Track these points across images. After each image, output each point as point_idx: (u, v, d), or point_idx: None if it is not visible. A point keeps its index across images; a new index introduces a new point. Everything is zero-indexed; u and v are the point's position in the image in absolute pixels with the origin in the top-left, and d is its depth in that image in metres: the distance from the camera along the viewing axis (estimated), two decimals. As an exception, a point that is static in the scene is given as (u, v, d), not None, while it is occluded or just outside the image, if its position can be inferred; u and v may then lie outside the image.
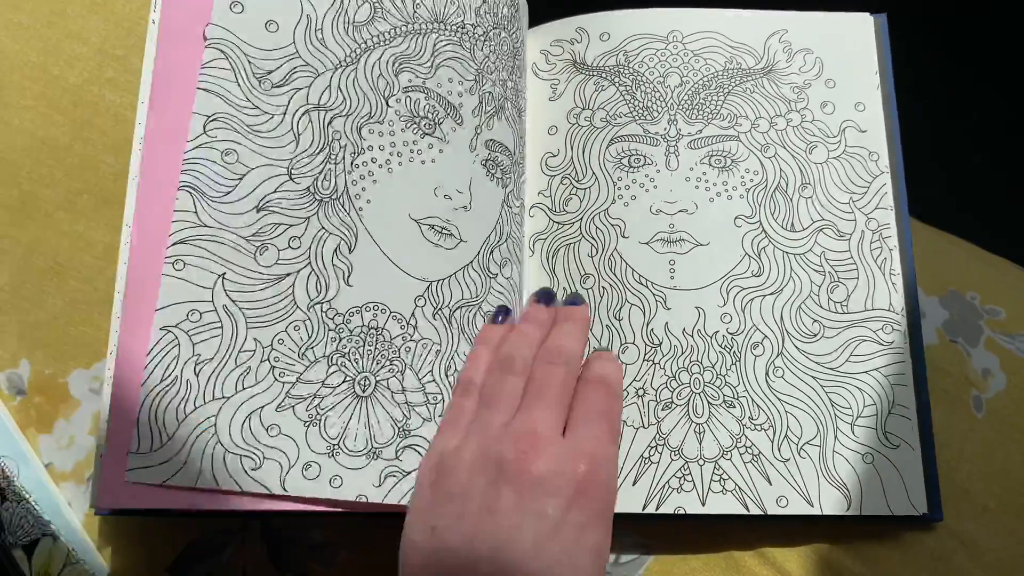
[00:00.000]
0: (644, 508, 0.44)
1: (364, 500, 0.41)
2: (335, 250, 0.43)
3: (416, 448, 0.42)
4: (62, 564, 0.46)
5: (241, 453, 0.40)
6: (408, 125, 0.44)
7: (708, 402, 0.46)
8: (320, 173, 0.43)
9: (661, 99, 0.49)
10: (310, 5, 0.44)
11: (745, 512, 0.44)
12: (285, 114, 0.43)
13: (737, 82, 0.50)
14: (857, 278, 0.47)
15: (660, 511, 0.44)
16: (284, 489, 0.40)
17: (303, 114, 0.43)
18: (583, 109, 0.50)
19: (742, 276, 0.47)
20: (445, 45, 0.46)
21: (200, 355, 0.41)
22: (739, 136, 0.49)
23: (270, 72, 0.43)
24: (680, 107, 0.49)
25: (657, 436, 0.45)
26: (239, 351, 0.41)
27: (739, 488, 0.44)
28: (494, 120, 0.46)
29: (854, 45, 0.51)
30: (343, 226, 0.43)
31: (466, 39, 0.46)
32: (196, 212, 0.41)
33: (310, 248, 0.42)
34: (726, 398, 0.46)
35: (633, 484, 0.45)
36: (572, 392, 0.41)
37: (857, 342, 0.46)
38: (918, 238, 0.49)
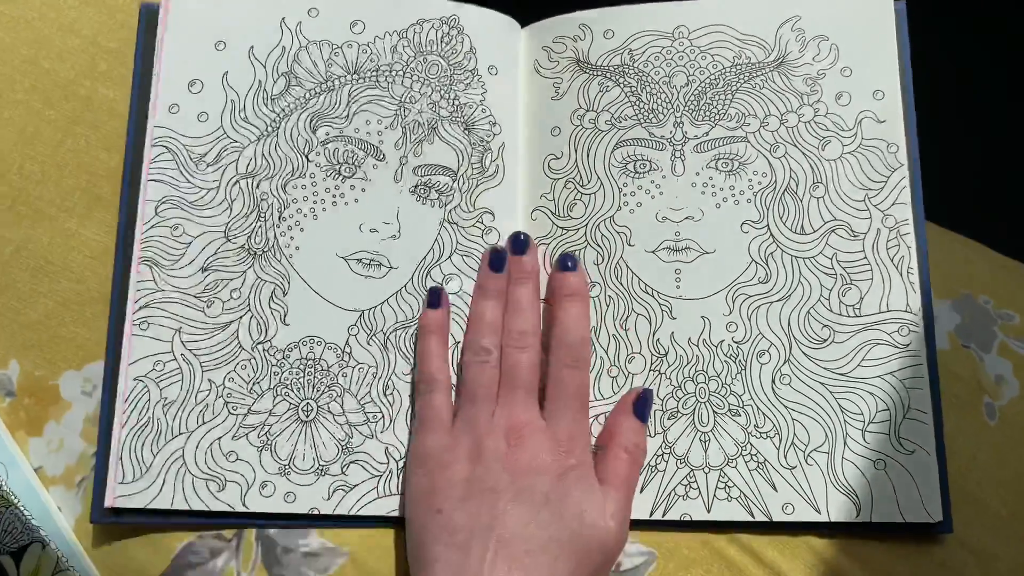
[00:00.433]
0: (651, 515, 0.50)
1: (316, 512, 0.50)
2: (271, 295, 0.53)
3: (360, 463, 0.51)
4: (51, 571, 0.51)
5: (206, 478, 0.51)
6: (329, 174, 0.54)
7: (713, 411, 0.50)
8: (252, 231, 0.53)
9: (667, 101, 0.53)
10: (233, 91, 0.55)
11: (750, 519, 0.49)
12: (219, 187, 0.54)
13: (746, 78, 0.54)
14: (871, 279, 0.51)
15: (666, 518, 0.50)
16: (245, 507, 0.50)
17: (234, 183, 0.54)
18: (587, 111, 0.54)
19: (748, 283, 0.51)
20: (360, 91, 0.55)
21: (166, 398, 0.51)
22: (747, 136, 0.53)
23: (204, 155, 0.54)
24: (686, 108, 0.53)
25: (663, 445, 0.50)
26: (197, 391, 0.52)
27: (744, 495, 0.49)
28: (423, 146, 0.54)
29: (873, 27, 0.54)
30: (276, 274, 0.53)
31: (382, 79, 0.55)
32: (154, 280, 0.53)
33: (249, 297, 0.53)
34: (731, 406, 0.50)
35: (640, 491, 0.50)
36: (538, 367, 0.51)
37: (870, 346, 0.50)
38: (928, 238, 0.53)
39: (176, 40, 0.55)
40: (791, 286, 0.51)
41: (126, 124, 0.56)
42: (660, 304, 0.51)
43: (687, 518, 0.49)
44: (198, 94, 0.54)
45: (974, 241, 0.56)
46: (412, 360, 0.52)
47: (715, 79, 0.53)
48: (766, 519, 0.49)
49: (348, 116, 0.55)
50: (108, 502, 0.50)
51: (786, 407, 0.50)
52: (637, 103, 0.53)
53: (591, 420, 0.51)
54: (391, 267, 0.53)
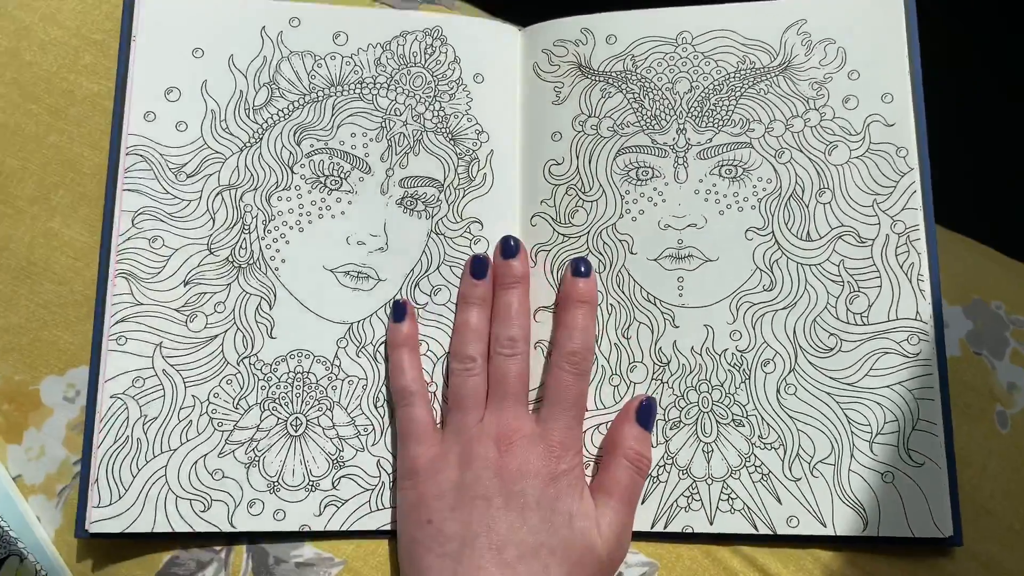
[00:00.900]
0: (652, 527, 0.54)
1: (308, 530, 0.54)
2: (256, 308, 0.57)
3: (351, 477, 0.55)
4: None
5: (191, 497, 0.54)
6: (314, 186, 0.58)
7: (716, 421, 0.55)
8: (236, 243, 0.57)
9: (670, 107, 0.58)
10: (213, 101, 0.59)
11: (754, 532, 0.53)
12: (200, 198, 0.58)
13: (750, 83, 0.58)
14: (880, 286, 0.55)
15: (668, 530, 0.53)
16: (232, 526, 0.54)
17: (216, 195, 0.58)
18: (589, 116, 0.59)
19: (752, 291, 0.56)
20: (345, 104, 0.59)
21: (147, 415, 0.55)
22: (751, 142, 0.57)
23: (183, 165, 0.58)
24: (690, 115, 0.58)
25: (665, 455, 0.55)
26: (180, 408, 0.55)
27: (747, 507, 0.53)
28: (408, 157, 0.59)
29: (882, 28, 0.58)
30: (262, 287, 0.57)
31: (367, 92, 0.60)
32: (132, 293, 0.56)
33: (234, 310, 0.57)
34: (735, 417, 0.54)
35: (642, 503, 0.54)
36: (528, 373, 0.55)
37: (879, 355, 0.54)
38: (938, 242, 0.57)
39: (151, 45, 0.59)
40: (797, 294, 0.55)
41: (111, 120, 0.59)
42: (662, 312, 0.56)
43: (689, 530, 0.53)
44: (176, 102, 0.58)
45: (984, 245, 0.60)
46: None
47: (719, 84, 0.58)
48: (770, 532, 0.53)
49: (333, 128, 0.59)
50: (85, 526, 0.53)
51: (791, 417, 0.54)
52: (640, 109, 0.58)
53: (592, 430, 0.55)
54: (379, 279, 0.58)
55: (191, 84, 0.58)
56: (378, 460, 0.55)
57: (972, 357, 0.57)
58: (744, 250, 0.56)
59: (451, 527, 0.50)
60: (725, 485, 0.53)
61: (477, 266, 0.57)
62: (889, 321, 0.54)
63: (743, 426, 0.54)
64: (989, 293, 0.58)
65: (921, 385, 0.53)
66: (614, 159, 0.58)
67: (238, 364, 0.56)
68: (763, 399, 0.54)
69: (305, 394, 0.56)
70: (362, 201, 0.58)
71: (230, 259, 0.57)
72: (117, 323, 0.55)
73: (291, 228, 0.57)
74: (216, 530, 0.54)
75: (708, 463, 0.53)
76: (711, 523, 0.53)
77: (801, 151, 0.56)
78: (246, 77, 0.59)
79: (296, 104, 0.59)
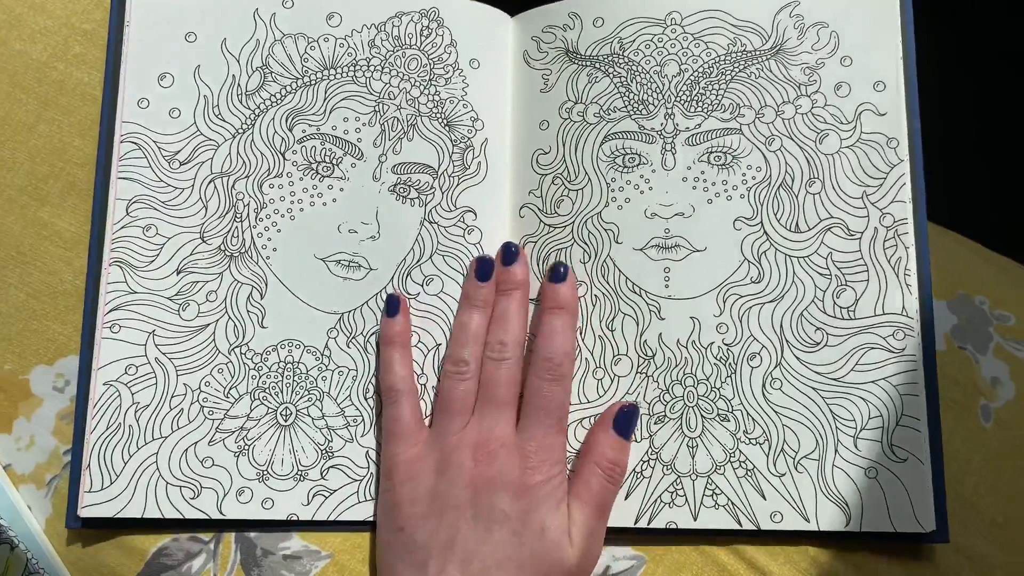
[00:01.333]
0: (636, 522, 0.54)
1: (296, 519, 0.55)
2: (248, 297, 0.57)
3: (340, 468, 0.56)
4: (20, 574, 0.55)
5: (181, 484, 0.55)
6: (306, 173, 0.58)
7: (701, 416, 0.55)
8: (228, 232, 0.57)
9: (658, 91, 0.57)
10: (206, 87, 0.58)
11: (738, 527, 0.53)
12: (193, 186, 0.58)
13: (741, 67, 0.57)
14: (867, 280, 0.55)
15: (652, 526, 0.54)
16: (221, 513, 0.55)
17: (209, 183, 0.58)
18: (575, 103, 0.58)
19: (740, 283, 0.55)
20: (338, 87, 0.58)
21: (139, 403, 0.56)
22: (741, 128, 0.57)
23: (177, 152, 0.58)
24: (678, 99, 0.57)
25: (649, 450, 0.55)
26: (172, 396, 0.56)
27: (732, 503, 0.54)
28: (402, 143, 0.58)
29: (876, 14, 0.57)
30: (253, 276, 0.57)
31: (360, 75, 0.59)
32: (126, 282, 0.57)
33: (226, 299, 0.57)
34: (720, 411, 0.54)
35: (625, 498, 0.54)
36: (519, 381, 0.55)
37: (864, 350, 0.54)
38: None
39: (144, 30, 0.59)
40: (784, 286, 0.55)
41: (100, 110, 0.59)
42: (648, 304, 0.55)
43: (673, 526, 0.54)
44: (169, 88, 0.58)
45: (969, 240, 0.60)
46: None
47: (709, 68, 0.57)
48: (754, 528, 0.53)
49: (325, 113, 0.58)
50: (77, 511, 0.54)
51: (776, 412, 0.54)
52: (627, 94, 0.57)
53: (575, 424, 0.55)
54: (370, 268, 0.57)
55: (184, 69, 0.58)
56: (367, 451, 0.55)
57: (957, 352, 0.57)
58: (732, 240, 0.55)
59: (421, 536, 0.51)
60: (709, 480, 0.53)
61: (482, 268, 0.56)
62: (875, 316, 0.54)
63: (728, 421, 0.54)
64: (973, 288, 0.58)
65: (906, 381, 0.53)
66: (600, 146, 0.57)
67: (229, 353, 0.56)
68: (748, 394, 0.54)
69: (295, 384, 0.56)
70: (354, 188, 0.58)
71: (222, 248, 0.57)
72: (111, 311, 0.56)
73: (282, 216, 0.57)
74: (205, 517, 0.54)
75: (693, 458, 0.54)
76: (695, 519, 0.53)
77: (792, 139, 0.56)
78: (239, 61, 0.58)
79: (289, 88, 0.58)
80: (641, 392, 0.55)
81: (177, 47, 0.58)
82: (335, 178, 0.58)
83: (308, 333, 0.57)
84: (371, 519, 0.55)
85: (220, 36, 0.59)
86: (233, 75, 0.58)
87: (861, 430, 0.53)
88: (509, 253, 0.56)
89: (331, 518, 0.55)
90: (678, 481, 0.54)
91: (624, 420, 0.54)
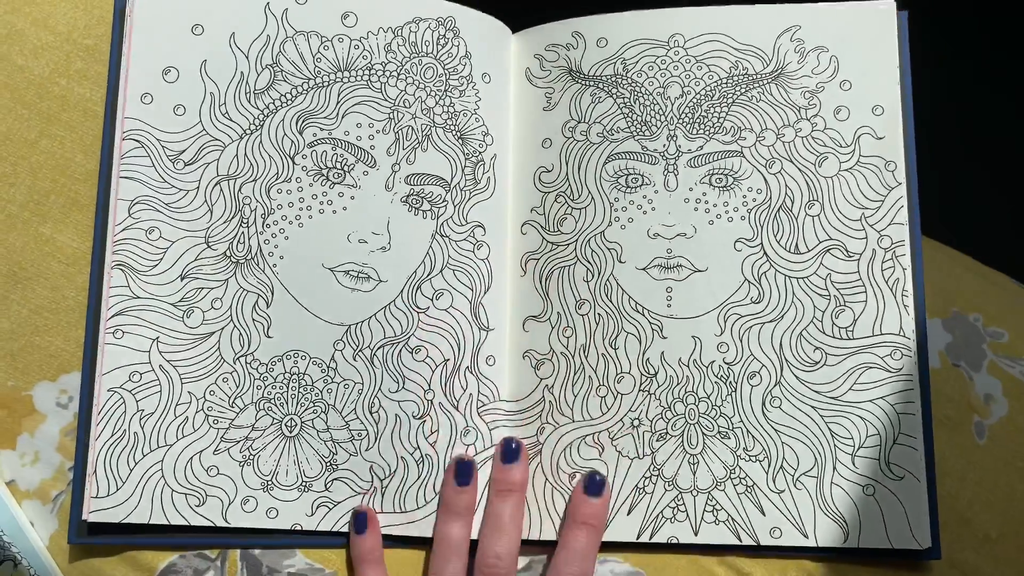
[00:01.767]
0: (638, 537, 0.55)
1: (299, 528, 0.56)
2: (254, 306, 0.57)
3: (344, 480, 0.56)
4: None
5: (186, 492, 0.55)
6: (316, 179, 0.57)
7: (703, 433, 0.56)
8: (234, 237, 0.57)
9: (660, 112, 0.58)
10: (212, 83, 0.57)
11: (737, 543, 0.55)
12: (198, 188, 0.57)
13: (743, 90, 0.58)
14: (865, 301, 0.56)
15: (653, 540, 0.55)
16: (226, 522, 0.55)
17: (215, 185, 0.57)
18: (579, 122, 0.59)
19: (741, 303, 0.57)
20: (351, 91, 0.57)
21: (143, 410, 0.55)
22: (742, 151, 0.58)
23: (181, 152, 0.57)
24: (680, 121, 0.58)
25: (651, 467, 0.56)
26: (176, 404, 0.56)
27: (732, 519, 0.55)
28: (416, 153, 0.57)
29: (875, 39, 0.59)
30: (259, 284, 0.57)
31: (375, 79, 0.58)
32: (128, 286, 0.56)
33: (231, 307, 0.57)
34: (721, 429, 0.56)
35: (627, 514, 0.56)
36: None
37: (862, 370, 0.56)
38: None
39: (148, 19, 0.57)
40: (784, 306, 0.56)
41: (102, 124, 0.59)
42: (650, 323, 0.56)
43: (674, 541, 0.55)
44: (173, 83, 0.57)
45: (961, 254, 0.61)
46: (399, 377, 0.57)
47: (711, 90, 0.58)
48: (753, 543, 0.55)
49: (338, 117, 0.58)
50: (83, 516, 0.54)
51: (776, 430, 0.55)
52: (630, 115, 0.58)
53: (579, 441, 0.56)
54: (380, 280, 0.57)
55: (190, 64, 0.57)
56: (371, 465, 0.56)
57: (951, 369, 0.58)
58: (733, 261, 0.56)
59: None
60: (710, 496, 0.55)
61: (462, 472, 0.55)
62: (873, 336, 0.55)
63: (728, 438, 0.55)
64: (967, 305, 0.59)
65: (903, 400, 0.54)
66: (603, 166, 0.58)
67: (234, 362, 0.56)
68: (749, 411, 0.55)
69: (300, 395, 0.56)
70: (365, 197, 0.57)
71: (228, 254, 0.57)
72: (114, 316, 0.55)
73: (290, 223, 0.57)
74: (210, 524, 0.55)
75: (694, 474, 0.55)
76: (696, 534, 0.54)
77: (792, 162, 0.57)
78: (248, 58, 0.57)
79: (300, 89, 0.57)
80: (643, 409, 0.56)
81: (183, 39, 0.57)
82: (346, 185, 0.57)
83: (314, 344, 0.57)
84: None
85: (229, 30, 0.57)
86: (242, 72, 0.57)
87: (859, 448, 0.54)
88: (509, 451, 0.56)
89: (335, 529, 0.55)
90: (679, 497, 0.55)
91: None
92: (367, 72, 0.58)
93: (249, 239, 0.57)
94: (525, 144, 0.60)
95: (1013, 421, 0.57)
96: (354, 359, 0.57)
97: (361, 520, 0.55)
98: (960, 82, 1.15)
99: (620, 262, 0.57)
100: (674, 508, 0.55)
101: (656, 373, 0.56)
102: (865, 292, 0.56)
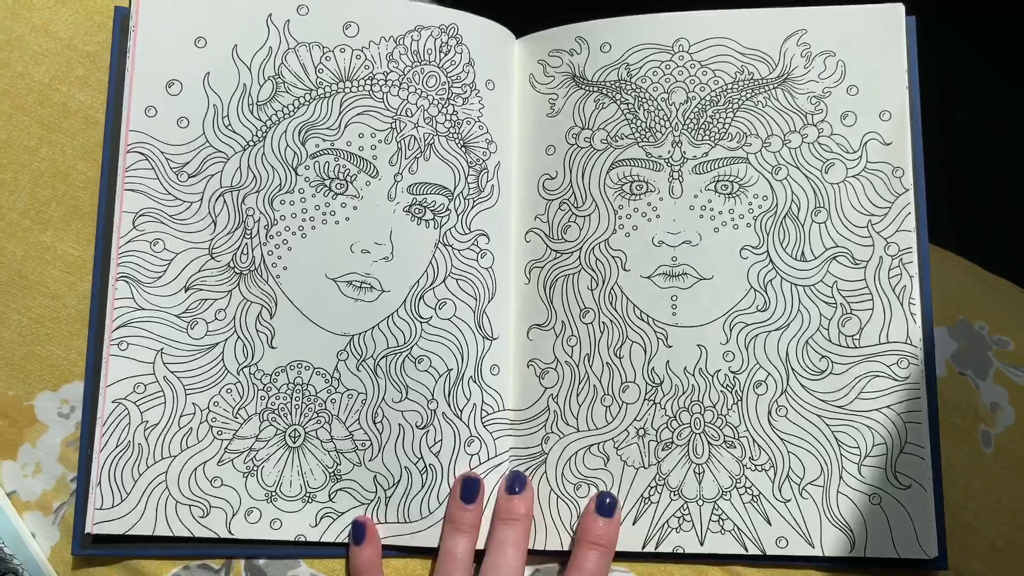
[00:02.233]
0: (644, 547, 0.56)
1: (303, 540, 0.56)
2: (257, 317, 0.57)
3: (348, 491, 0.57)
4: None
5: (190, 503, 0.56)
6: (318, 189, 0.58)
7: (708, 442, 0.56)
8: (238, 249, 0.57)
9: (665, 118, 0.58)
10: (215, 95, 0.58)
11: (744, 552, 0.55)
12: (202, 200, 0.57)
13: (748, 95, 0.58)
14: (872, 309, 0.56)
15: (659, 550, 0.56)
16: (230, 533, 0.56)
17: (218, 197, 0.58)
18: (583, 129, 0.59)
19: (747, 311, 0.57)
20: (353, 101, 0.58)
21: (148, 421, 0.56)
22: (748, 157, 0.58)
23: (185, 164, 0.58)
24: (685, 127, 0.58)
25: (657, 476, 0.56)
26: (180, 415, 0.56)
27: (738, 528, 0.55)
28: (418, 163, 0.58)
29: (882, 43, 0.58)
30: (263, 294, 0.57)
31: (377, 89, 0.58)
32: (133, 298, 0.56)
33: (235, 318, 0.57)
34: (726, 438, 0.56)
35: (633, 524, 0.56)
36: None
37: (869, 378, 0.56)
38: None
39: (151, 33, 0.58)
40: (790, 315, 0.56)
41: (103, 132, 0.59)
42: (656, 331, 0.57)
43: (680, 550, 0.55)
44: (177, 96, 0.58)
45: (967, 261, 0.62)
46: (403, 387, 0.57)
47: (716, 96, 0.58)
48: (759, 553, 0.55)
49: (340, 127, 0.58)
50: (87, 528, 0.55)
51: (782, 439, 0.55)
52: (634, 121, 0.58)
53: (583, 451, 0.56)
54: (383, 290, 0.57)
55: (193, 77, 0.58)
56: (375, 475, 0.56)
57: (957, 378, 0.58)
58: (738, 269, 0.56)
59: None
60: (716, 506, 0.55)
61: (468, 489, 0.56)
62: (880, 344, 0.55)
63: (735, 447, 0.55)
64: (974, 313, 0.60)
65: (909, 409, 0.55)
66: (608, 173, 0.58)
67: (238, 373, 0.57)
68: (755, 421, 0.55)
69: (304, 406, 0.57)
70: (368, 207, 0.58)
71: (231, 265, 0.57)
72: (119, 327, 0.56)
73: (293, 234, 0.57)
74: (214, 536, 0.55)
75: (699, 484, 0.55)
76: (701, 543, 0.55)
77: (798, 168, 0.57)
78: (250, 70, 0.58)
79: (302, 100, 0.58)
80: (649, 419, 0.56)
81: (186, 52, 0.58)
82: (348, 196, 0.58)
83: (318, 355, 0.57)
84: (380, 542, 0.56)
85: (231, 42, 0.58)
86: (244, 84, 0.58)
87: (865, 457, 0.54)
88: (514, 484, 0.56)
89: (338, 540, 0.56)
90: (685, 506, 0.55)
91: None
92: (369, 82, 0.58)
93: (252, 250, 0.57)
94: (528, 151, 0.60)
95: (1020, 430, 0.58)
96: (357, 369, 0.57)
97: (360, 531, 0.55)
98: (968, 87, 1.16)
99: (624, 270, 0.57)
100: (680, 518, 0.55)
101: (661, 382, 0.56)
102: (872, 300, 0.56)
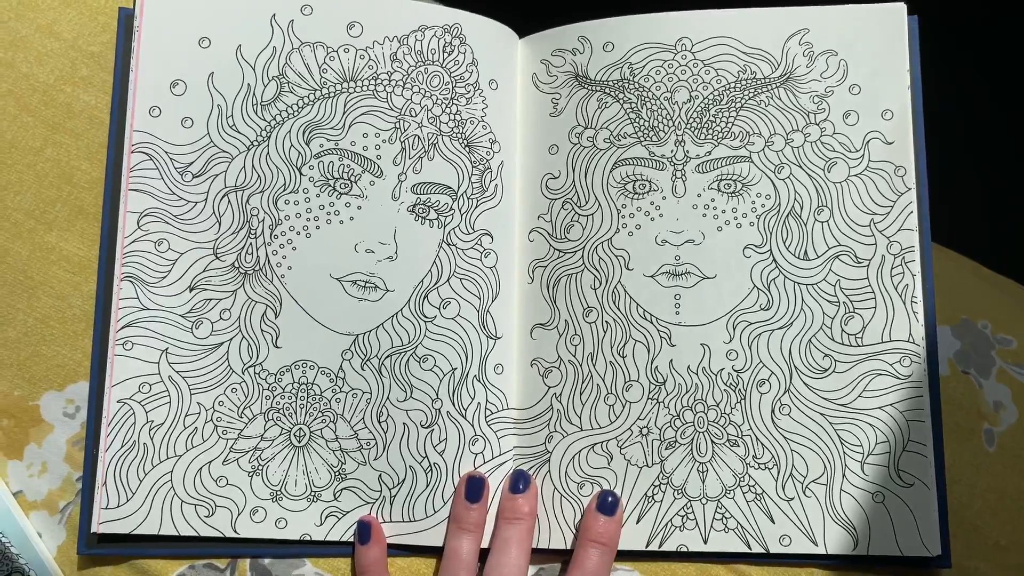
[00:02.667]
0: (647, 546, 0.56)
1: (308, 539, 0.57)
2: (262, 316, 0.58)
3: (353, 490, 0.57)
4: None
5: (196, 503, 0.56)
6: (323, 189, 0.58)
7: (712, 441, 0.57)
8: (242, 248, 0.58)
9: (668, 117, 0.59)
10: (220, 95, 0.58)
11: (747, 551, 0.56)
12: (206, 200, 0.58)
13: (751, 95, 0.59)
14: (875, 308, 0.57)
15: (663, 548, 0.56)
16: (236, 532, 0.56)
17: (223, 197, 0.58)
18: (585, 128, 0.60)
19: (750, 310, 0.57)
20: (357, 101, 0.58)
21: (153, 421, 0.57)
22: (751, 156, 0.58)
23: (190, 164, 0.58)
24: (688, 126, 0.59)
25: (660, 475, 0.57)
26: (186, 415, 0.57)
27: (741, 527, 0.56)
28: (422, 162, 0.58)
29: (884, 42, 0.59)
30: (267, 294, 0.58)
31: (381, 89, 0.59)
32: (138, 298, 0.57)
33: (239, 318, 0.58)
34: (730, 437, 0.56)
35: (636, 522, 0.57)
36: None
37: (871, 376, 0.56)
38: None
39: (156, 34, 0.58)
40: (793, 313, 0.57)
41: (107, 132, 0.60)
42: (659, 330, 0.57)
43: (684, 549, 0.56)
44: (181, 96, 0.58)
45: (972, 261, 0.62)
46: (407, 387, 0.57)
47: (719, 95, 0.59)
48: (763, 551, 0.55)
49: (344, 127, 0.58)
50: (93, 528, 0.55)
51: (785, 438, 0.56)
52: (637, 120, 0.59)
53: (587, 449, 0.57)
54: (387, 290, 0.58)
55: (197, 77, 0.58)
56: (380, 474, 0.56)
57: (960, 376, 0.59)
58: (742, 268, 0.57)
59: None
60: (719, 504, 0.55)
61: (472, 489, 0.56)
62: (883, 343, 0.56)
63: (738, 446, 0.56)
64: (976, 312, 0.60)
65: (912, 407, 0.55)
66: (611, 172, 0.58)
67: (243, 373, 0.57)
68: (758, 419, 0.56)
69: (309, 405, 0.57)
70: (372, 207, 0.58)
71: (236, 265, 0.58)
72: (124, 327, 0.56)
73: (298, 234, 0.58)
74: (220, 535, 0.56)
75: (703, 483, 0.56)
76: (705, 542, 0.55)
77: (801, 167, 0.58)
78: (254, 70, 0.58)
79: (306, 100, 0.58)
80: (652, 418, 0.56)
81: (191, 52, 0.58)
82: (353, 195, 0.58)
83: (322, 354, 0.57)
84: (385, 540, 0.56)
85: (235, 42, 0.58)
86: (248, 84, 0.58)
87: (868, 455, 0.55)
88: (518, 483, 0.57)
89: (343, 539, 0.56)
90: (688, 505, 0.55)
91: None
92: (373, 82, 0.58)
93: (257, 250, 0.58)
94: (532, 151, 0.60)
95: (1023, 428, 0.58)
96: (362, 368, 0.57)
97: (365, 530, 0.56)
98: (971, 86, 1.16)
99: (628, 269, 0.58)
100: (683, 516, 0.55)
101: (665, 381, 0.57)
102: (874, 299, 0.56)
